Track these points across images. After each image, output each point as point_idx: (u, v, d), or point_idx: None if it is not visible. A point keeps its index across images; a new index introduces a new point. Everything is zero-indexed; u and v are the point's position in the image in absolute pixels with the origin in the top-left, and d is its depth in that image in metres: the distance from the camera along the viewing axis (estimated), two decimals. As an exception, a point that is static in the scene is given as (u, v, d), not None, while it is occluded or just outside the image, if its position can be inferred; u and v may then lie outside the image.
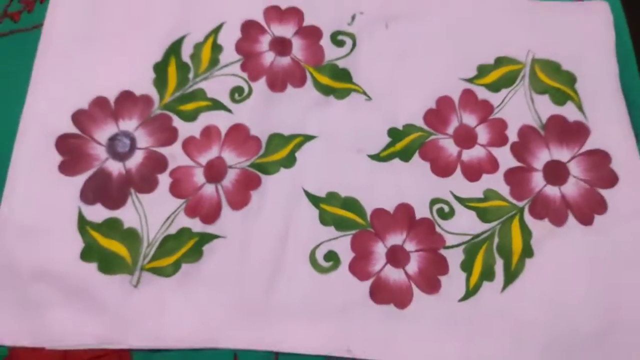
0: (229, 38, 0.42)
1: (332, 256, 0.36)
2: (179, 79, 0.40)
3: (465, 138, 0.41)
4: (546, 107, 0.42)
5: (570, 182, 0.40)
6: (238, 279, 0.35)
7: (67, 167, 0.37)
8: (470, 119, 0.42)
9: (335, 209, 0.38)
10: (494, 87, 0.42)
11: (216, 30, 0.43)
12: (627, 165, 0.40)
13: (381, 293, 0.35)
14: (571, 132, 0.41)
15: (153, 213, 0.36)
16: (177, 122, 0.39)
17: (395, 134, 0.40)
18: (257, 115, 0.40)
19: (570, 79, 0.43)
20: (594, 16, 0.45)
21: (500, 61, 0.43)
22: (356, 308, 0.35)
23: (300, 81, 0.41)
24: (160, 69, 0.41)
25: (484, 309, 0.36)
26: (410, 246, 0.37)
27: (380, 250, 0.37)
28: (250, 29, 0.43)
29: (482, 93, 0.42)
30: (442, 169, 0.39)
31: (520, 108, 0.42)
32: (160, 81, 0.40)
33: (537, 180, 0.40)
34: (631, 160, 0.40)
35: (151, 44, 0.41)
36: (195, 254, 0.36)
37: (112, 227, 0.36)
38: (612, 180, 0.40)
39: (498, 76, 0.43)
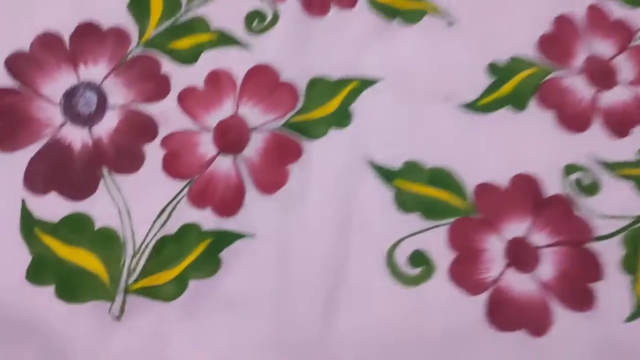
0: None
1: (421, 258, 0.30)
2: (167, 2, 0.34)
3: (601, 74, 0.34)
4: None
5: None
6: (278, 299, 0.29)
7: (3, 139, 0.31)
8: (603, 47, 0.35)
9: (418, 186, 0.31)
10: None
11: None
12: None
13: (504, 313, 0.29)
14: None
15: (139, 203, 0.30)
16: (168, 66, 0.33)
17: (498, 72, 0.34)
18: (289, 51, 0.34)
19: None
20: None
21: (636, -37, 0.37)
22: (467, 337, 0.29)
23: (349, -1, 0.35)
24: (137, -12, 0.34)
25: (663, 331, 0.29)
26: (539, 238, 0.30)
27: (495, 246, 0.30)
28: None
29: (616, 9, 0.36)
30: (573, 119, 0.33)
31: (671, 28, 0.36)
32: (138, 6, 0.34)
33: None
34: None
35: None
36: (208, 264, 0.29)
37: (75, 227, 0.29)
38: None
39: (636, -16, 0.37)
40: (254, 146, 0.31)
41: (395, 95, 0.33)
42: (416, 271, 0.29)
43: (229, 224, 0.30)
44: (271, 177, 0.31)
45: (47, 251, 0.29)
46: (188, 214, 0.30)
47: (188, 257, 0.29)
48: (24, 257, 0.28)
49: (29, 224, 0.29)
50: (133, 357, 0.28)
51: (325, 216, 0.30)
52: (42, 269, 0.28)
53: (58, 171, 0.30)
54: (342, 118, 0.32)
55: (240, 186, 0.30)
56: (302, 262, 0.29)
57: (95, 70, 0.32)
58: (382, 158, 0.31)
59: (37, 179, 0.30)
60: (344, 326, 0.28)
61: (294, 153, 0.31)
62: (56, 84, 0.32)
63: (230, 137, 0.31)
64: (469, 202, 0.30)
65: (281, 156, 0.31)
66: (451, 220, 0.30)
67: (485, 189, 0.31)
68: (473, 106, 0.33)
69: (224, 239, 0.30)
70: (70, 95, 0.32)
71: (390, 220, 0.30)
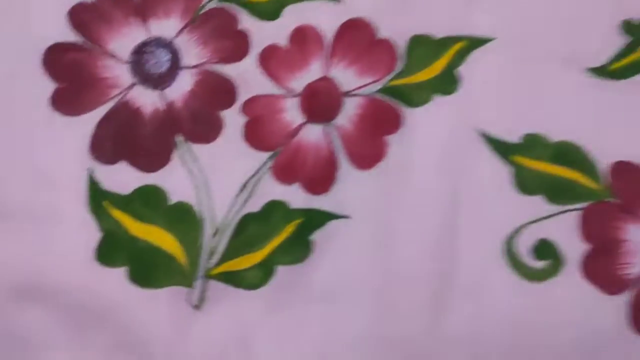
0: None
1: (548, 249, 0.27)
2: (245, -53, 0.32)
3: None
4: None
5: None
6: (377, 290, 0.27)
7: (67, 101, 0.29)
8: None
9: (542, 163, 0.28)
10: None
11: None
12: None
13: (650, 316, 0.26)
14: None
15: (218, 176, 0.28)
16: (246, 21, 0.30)
17: (633, 31, 0.30)
18: (386, 3, 0.31)
19: None
20: None
21: None
22: (604, 343, 0.26)
23: (457, -57, 0.32)
24: None
25: None
26: (690, 230, 0.27)
27: (636, 236, 0.27)
28: None
29: None
30: None
31: None
32: (213, -48, 0.32)
33: None
34: None
35: None
36: (298, 248, 0.28)
37: (148, 201, 0.28)
38: None
39: None
40: (347, 113, 0.28)
41: (511, 57, 0.29)
42: (542, 264, 0.26)
43: (321, 202, 0.28)
44: (367, 150, 0.28)
45: (118, 228, 0.27)
46: (273, 189, 0.28)
47: (275, 239, 0.27)
48: (92, 235, 0.27)
49: (98, 197, 0.27)
50: (214, 351, 0.26)
51: (431, 195, 0.28)
52: (113, 248, 0.27)
53: (127, 138, 0.28)
54: (448, 83, 0.29)
55: (332, 159, 0.28)
56: (404, 248, 0.27)
57: (167, 25, 0.29)
58: (496, 130, 0.28)
59: (105, 146, 0.28)
60: (454, 323, 0.26)
61: (393, 122, 0.28)
62: (124, 39, 0.29)
63: (320, 103, 0.28)
64: (604, 184, 0.27)
65: (378, 125, 0.29)
66: (582, 204, 0.27)
67: (623, 169, 0.27)
68: (603, 71, 0.29)
69: (316, 219, 0.27)
70: (140, 53, 0.29)
71: (508, 202, 0.27)
